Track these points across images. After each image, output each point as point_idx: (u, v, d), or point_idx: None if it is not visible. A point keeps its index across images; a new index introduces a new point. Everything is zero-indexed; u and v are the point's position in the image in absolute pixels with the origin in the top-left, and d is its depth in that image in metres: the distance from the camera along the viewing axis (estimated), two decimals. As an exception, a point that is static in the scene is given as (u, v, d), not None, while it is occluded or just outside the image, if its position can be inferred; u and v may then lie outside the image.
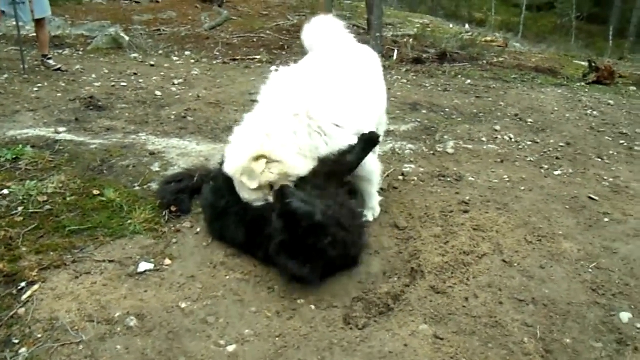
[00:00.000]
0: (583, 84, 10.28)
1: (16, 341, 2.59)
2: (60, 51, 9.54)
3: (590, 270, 3.50)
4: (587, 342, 2.84)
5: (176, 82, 7.81)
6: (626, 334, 2.91)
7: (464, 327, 2.87)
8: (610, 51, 20.98)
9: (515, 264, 3.49)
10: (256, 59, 10.15)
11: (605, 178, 5.15)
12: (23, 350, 2.53)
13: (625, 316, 3.04)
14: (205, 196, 3.70)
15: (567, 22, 31.65)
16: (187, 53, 10.35)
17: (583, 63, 12.66)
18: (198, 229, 3.66)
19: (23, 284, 2.98)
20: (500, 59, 11.99)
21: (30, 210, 3.70)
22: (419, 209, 4.18)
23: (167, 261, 3.31)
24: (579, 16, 31.28)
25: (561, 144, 6.15)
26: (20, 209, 3.72)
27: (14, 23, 8.36)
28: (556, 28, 32.39)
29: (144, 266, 3.22)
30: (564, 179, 5.07)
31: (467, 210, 4.15)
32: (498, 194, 4.56)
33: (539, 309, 3.07)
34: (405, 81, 9.07)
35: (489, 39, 14.88)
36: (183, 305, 2.91)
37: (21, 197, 3.82)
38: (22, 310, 2.79)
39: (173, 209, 3.83)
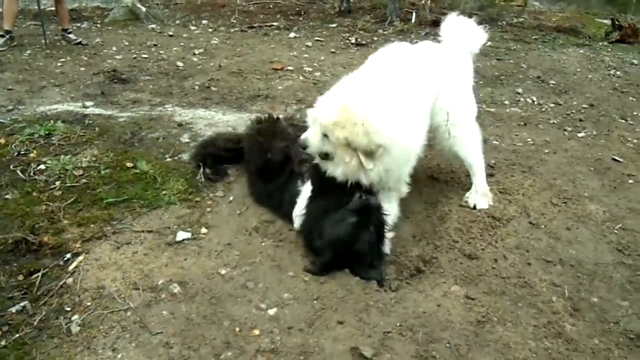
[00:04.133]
0: (606, 43, 10.06)
1: (68, 309, 2.72)
2: (79, 24, 9.50)
3: (615, 231, 3.57)
4: (614, 300, 2.93)
5: (196, 52, 7.82)
6: (652, 292, 2.98)
7: (494, 287, 2.97)
8: (633, 8, 20.35)
9: (542, 226, 3.57)
10: (273, 25, 10.05)
11: (630, 139, 5.16)
12: (75, 317, 2.66)
13: (651, 275, 3.11)
14: None
15: (588, -22, 30.72)
16: (204, 22, 10.28)
17: (605, 21, 12.35)
18: (231, 198, 3.75)
19: (68, 255, 3.10)
20: (520, 19, 11.74)
21: (68, 184, 3.81)
22: (445, 173, 4.25)
23: (204, 230, 3.41)
24: (599, -29, 30.34)
25: (584, 106, 6.13)
26: (57, 183, 3.82)
27: (32, -3, 8.42)
28: (576, -16, 31.46)
29: (181, 235, 3.33)
30: (588, 141, 5.08)
31: (492, 174, 4.20)
32: (522, 157, 4.59)
33: (566, 269, 3.16)
34: (424, 45, 8.94)
35: (507, -2, 14.52)
36: (223, 272, 3.02)
37: (58, 172, 3.92)
38: (70, 280, 2.91)
39: (207, 170, 3.98)
